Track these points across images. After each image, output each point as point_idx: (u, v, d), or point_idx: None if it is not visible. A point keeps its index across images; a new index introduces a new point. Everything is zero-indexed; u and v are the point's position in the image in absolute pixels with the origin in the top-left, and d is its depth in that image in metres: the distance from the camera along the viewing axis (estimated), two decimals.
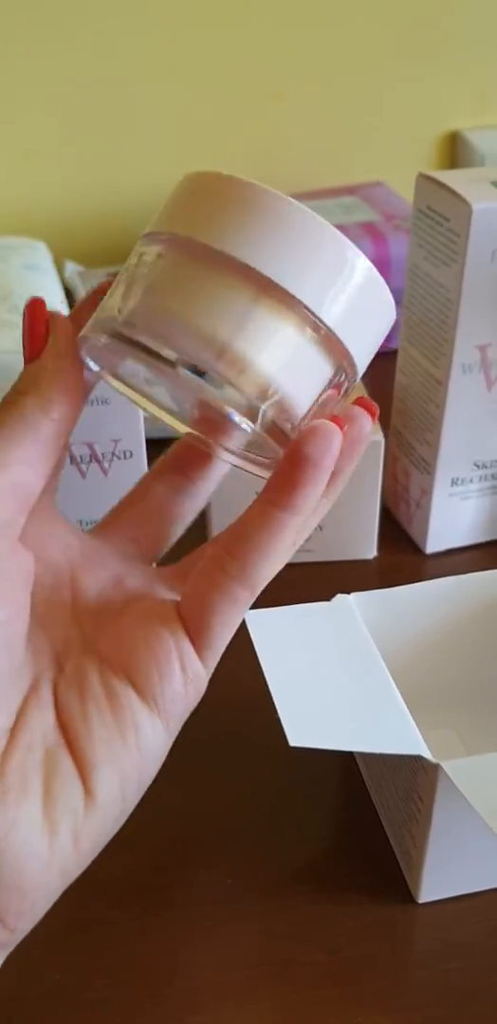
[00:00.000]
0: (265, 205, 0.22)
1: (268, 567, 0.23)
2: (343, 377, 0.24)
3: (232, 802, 0.35)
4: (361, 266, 0.22)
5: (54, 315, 0.24)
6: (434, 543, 0.46)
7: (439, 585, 0.36)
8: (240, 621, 0.24)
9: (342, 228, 0.60)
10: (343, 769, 0.36)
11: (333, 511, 0.44)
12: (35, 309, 0.24)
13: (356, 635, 0.32)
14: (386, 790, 0.32)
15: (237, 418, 0.22)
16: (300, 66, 0.72)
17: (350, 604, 0.34)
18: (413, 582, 0.45)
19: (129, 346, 0.22)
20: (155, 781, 0.29)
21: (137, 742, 0.22)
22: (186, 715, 0.23)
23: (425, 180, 0.39)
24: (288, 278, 0.22)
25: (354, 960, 0.30)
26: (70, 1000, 0.29)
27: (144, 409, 0.26)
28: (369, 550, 0.46)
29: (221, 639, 0.23)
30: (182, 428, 0.26)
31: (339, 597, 0.34)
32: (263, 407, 0.22)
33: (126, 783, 0.22)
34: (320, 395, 0.23)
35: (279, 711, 0.27)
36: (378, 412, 0.25)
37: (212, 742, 0.36)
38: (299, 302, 0.22)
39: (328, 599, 0.45)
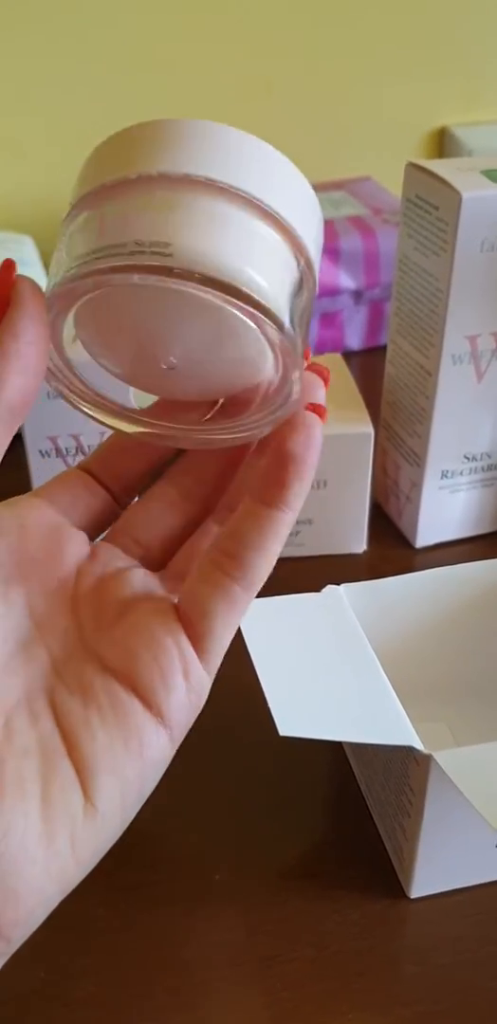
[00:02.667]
0: (181, 128, 0.21)
1: (266, 565, 0.23)
2: (304, 281, 0.22)
3: (220, 798, 0.34)
4: (289, 166, 0.22)
5: (25, 288, 0.21)
6: (424, 537, 0.45)
7: (429, 576, 0.36)
8: (240, 622, 0.23)
9: (330, 222, 0.60)
10: (333, 765, 0.35)
11: (323, 505, 0.44)
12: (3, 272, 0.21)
13: (346, 626, 0.32)
14: (377, 784, 0.32)
15: (258, 323, 0.21)
16: (288, 61, 0.71)
17: (340, 595, 0.33)
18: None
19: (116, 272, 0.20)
20: None
21: (141, 751, 0.22)
22: (191, 722, 0.23)
23: (414, 169, 0.39)
24: (231, 175, 0.21)
25: (344, 956, 0.29)
26: (54, 999, 0.28)
27: (98, 420, 0.25)
28: (359, 544, 0.46)
29: (222, 642, 0.23)
30: (133, 428, 0.25)
31: (329, 588, 0.34)
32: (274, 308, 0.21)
33: (127, 791, 0.22)
34: (296, 300, 0.22)
35: (269, 701, 0.27)
36: (329, 376, 0.24)
37: (201, 736, 0.36)
38: (253, 199, 0.21)
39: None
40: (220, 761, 0.35)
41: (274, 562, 0.23)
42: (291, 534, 0.44)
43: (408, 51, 0.73)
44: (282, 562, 0.48)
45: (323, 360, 0.47)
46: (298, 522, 0.44)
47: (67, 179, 0.82)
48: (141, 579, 0.24)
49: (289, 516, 0.23)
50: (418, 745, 0.27)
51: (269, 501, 0.23)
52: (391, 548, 0.46)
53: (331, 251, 0.58)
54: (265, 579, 0.23)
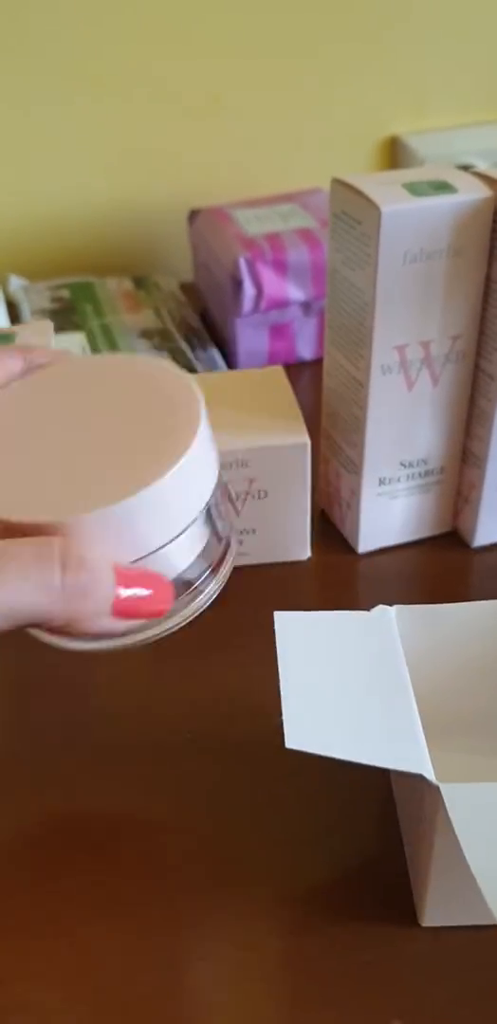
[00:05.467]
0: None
1: None
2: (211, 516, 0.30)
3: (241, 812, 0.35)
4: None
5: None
6: (366, 543, 0.46)
7: (487, 607, 0.34)
8: None
9: (278, 235, 0.61)
10: (380, 793, 0.35)
11: (264, 515, 0.45)
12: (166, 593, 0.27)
13: (386, 648, 0.31)
14: (407, 812, 0.32)
15: None
16: (237, 74, 0.72)
17: (390, 616, 0.33)
18: (346, 581, 0.45)
19: None
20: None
21: None
22: None
23: (339, 185, 0.40)
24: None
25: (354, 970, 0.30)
26: None
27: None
28: (303, 551, 0.46)
29: None
30: None
31: (379, 608, 0.33)
32: None
33: None
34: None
35: (284, 713, 0.27)
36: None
37: (233, 752, 0.37)
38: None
39: (261, 601, 0.45)
40: (256, 776, 0.36)
41: None
42: None
43: (357, 63, 0.74)
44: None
45: (263, 373, 0.48)
46: (242, 531, 0.45)
47: (23, 198, 0.83)
48: None
49: None
50: (429, 775, 0.27)
51: None
52: (335, 554, 0.47)
53: (279, 264, 0.59)
54: None
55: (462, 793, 0.26)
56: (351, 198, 0.39)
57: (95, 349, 0.60)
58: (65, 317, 0.64)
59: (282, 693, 0.28)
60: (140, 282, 0.71)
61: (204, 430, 0.27)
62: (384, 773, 0.36)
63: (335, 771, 0.35)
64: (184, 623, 0.29)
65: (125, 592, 0.25)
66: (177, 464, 0.26)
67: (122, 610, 0.25)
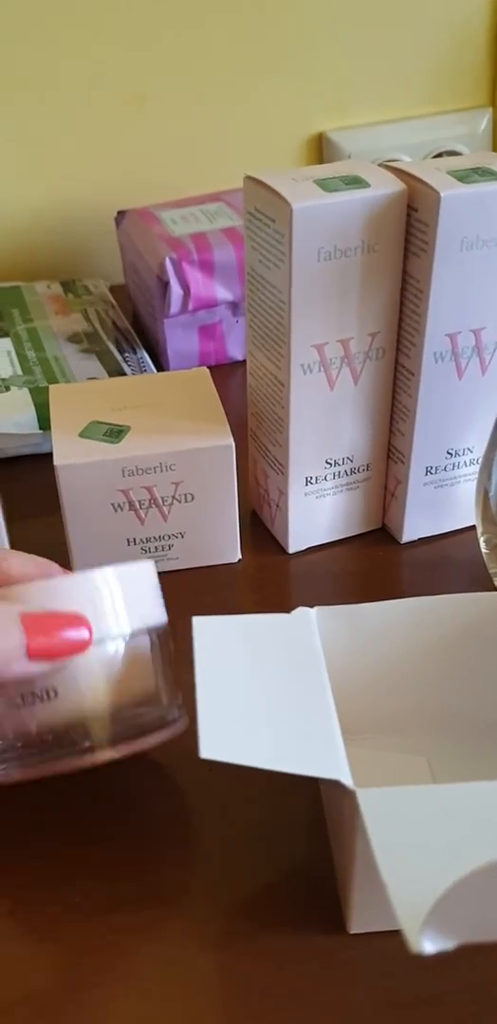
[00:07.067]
0: None
1: None
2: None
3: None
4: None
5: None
6: (296, 542, 0.46)
7: (410, 605, 0.34)
8: None
9: (204, 235, 0.60)
10: (312, 802, 0.34)
11: (192, 518, 0.44)
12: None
13: (306, 650, 0.30)
14: (334, 819, 0.31)
15: None
16: (163, 73, 0.72)
17: (310, 617, 0.32)
18: (277, 582, 0.45)
19: None
20: None
21: None
22: None
23: (251, 182, 0.39)
24: None
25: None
26: None
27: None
28: (233, 554, 0.46)
29: None
30: None
31: (299, 610, 0.32)
32: None
33: None
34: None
35: (200, 721, 0.26)
36: None
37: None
38: None
39: (192, 605, 0.44)
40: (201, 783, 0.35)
41: None
42: (164, 548, 0.44)
43: (282, 61, 0.74)
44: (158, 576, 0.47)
45: (189, 375, 0.48)
46: (170, 536, 0.45)
47: None
48: None
49: None
50: (346, 779, 0.26)
51: None
52: (266, 555, 0.47)
53: (205, 264, 0.58)
54: None
55: (377, 797, 0.26)
56: (263, 195, 0.38)
57: (21, 353, 0.59)
58: None
59: (198, 701, 0.27)
60: (69, 286, 0.70)
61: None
62: (312, 777, 0.35)
63: (260, 777, 0.34)
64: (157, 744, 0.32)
65: (38, 638, 0.28)
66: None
67: (38, 652, 0.28)
